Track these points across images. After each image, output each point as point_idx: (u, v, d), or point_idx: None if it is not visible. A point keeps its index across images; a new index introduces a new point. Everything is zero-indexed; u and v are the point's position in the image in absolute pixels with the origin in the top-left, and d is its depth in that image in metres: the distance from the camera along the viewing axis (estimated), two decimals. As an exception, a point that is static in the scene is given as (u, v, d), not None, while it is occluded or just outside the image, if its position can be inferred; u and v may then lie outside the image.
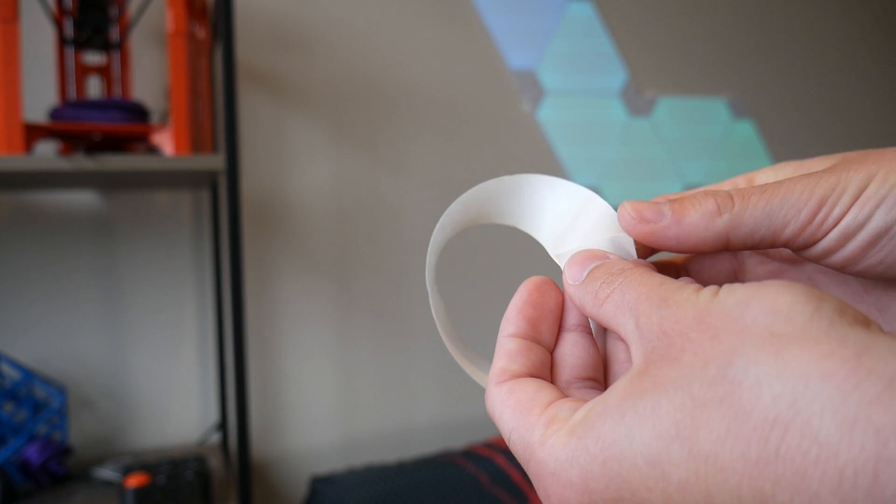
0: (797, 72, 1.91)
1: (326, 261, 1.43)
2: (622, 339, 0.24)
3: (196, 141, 1.08)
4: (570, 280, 0.25)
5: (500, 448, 1.34)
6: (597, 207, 0.28)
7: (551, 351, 0.26)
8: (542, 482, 0.21)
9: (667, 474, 0.18)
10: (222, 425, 1.31)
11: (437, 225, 0.28)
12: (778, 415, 0.16)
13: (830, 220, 0.23)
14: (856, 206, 0.23)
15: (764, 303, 0.18)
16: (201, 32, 1.16)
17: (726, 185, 0.28)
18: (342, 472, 1.27)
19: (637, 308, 0.21)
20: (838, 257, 0.24)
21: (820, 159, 0.26)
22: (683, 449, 0.18)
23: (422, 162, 1.51)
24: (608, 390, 0.21)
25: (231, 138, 1.01)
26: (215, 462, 1.19)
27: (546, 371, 0.25)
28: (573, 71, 1.65)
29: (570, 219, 0.29)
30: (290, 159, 1.41)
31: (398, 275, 1.48)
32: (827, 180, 0.23)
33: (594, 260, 0.25)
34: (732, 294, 0.19)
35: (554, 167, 1.63)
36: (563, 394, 0.23)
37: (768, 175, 0.27)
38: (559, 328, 0.26)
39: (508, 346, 0.25)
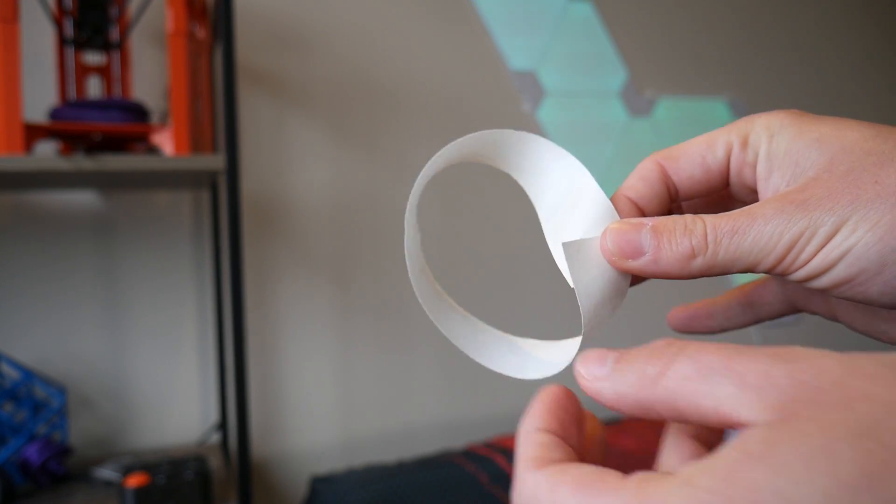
0: (797, 72, 1.91)
1: (326, 261, 1.43)
2: (688, 421, 0.20)
3: (196, 141, 1.08)
4: (590, 376, 0.22)
5: (500, 448, 1.34)
6: (592, 197, 0.28)
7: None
8: None
9: None
10: (222, 425, 1.31)
11: (434, 156, 0.28)
12: None
13: (798, 262, 0.24)
14: (821, 254, 0.23)
15: None
16: (201, 32, 1.16)
17: (719, 147, 0.27)
18: (342, 472, 1.27)
19: (733, 368, 0.18)
20: (812, 286, 0.25)
21: (816, 126, 0.26)
22: (877, 499, 0.15)
23: (422, 162, 1.50)
24: (738, 439, 0.17)
25: (231, 138, 1.01)
26: (215, 462, 1.19)
27: None
28: (573, 71, 1.65)
29: (569, 201, 0.29)
30: (290, 159, 1.41)
31: (398, 275, 1.48)
32: (798, 222, 0.23)
33: (611, 352, 0.22)
34: (875, 355, 0.18)
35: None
36: None
37: (762, 138, 0.26)
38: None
39: (541, 438, 0.22)
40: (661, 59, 1.74)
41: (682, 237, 0.25)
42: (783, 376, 0.18)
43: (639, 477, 0.18)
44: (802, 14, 1.92)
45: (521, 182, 0.30)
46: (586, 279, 0.26)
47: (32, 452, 1.06)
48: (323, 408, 1.44)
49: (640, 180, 0.28)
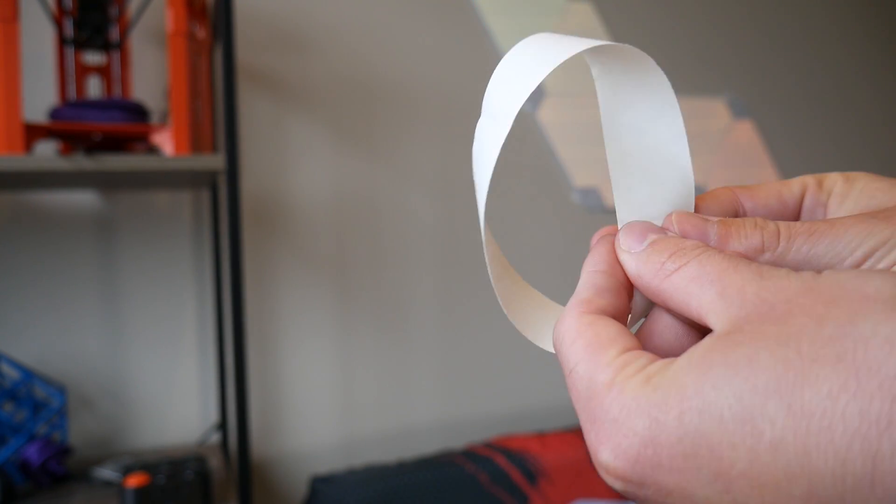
0: (797, 71, 1.91)
1: (326, 260, 1.43)
2: (682, 316, 0.23)
3: (196, 141, 1.08)
4: (626, 247, 0.24)
5: (499, 448, 1.34)
6: (681, 174, 0.28)
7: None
8: (598, 427, 0.20)
9: (758, 431, 0.17)
10: (222, 425, 1.31)
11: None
12: None
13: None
14: None
15: (887, 277, 0.18)
16: (201, 32, 1.16)
17: (795, 185, 0.28)
18: (342, 472, 1.27)
19: (722, 280, 0.20)
20: None
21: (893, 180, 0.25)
22: (782, 405, 0.17)
23: (421, 162, 1.51)
24: (692, 348, 0.19)
25: (231, 138, 1.01)
26: (215, 462, 1.19)
27: (626, 321, 0.24)
28: (573, 71, 1.65)
29: (650, 158, 0.28)
30: (290, 159, 1.41)
31: (398, 275, 1.48)
32: (882, 231, 0.22)
33: (654, 232, 0.24)
34: (845, 272, 0.19)
35: (553, 167, 1.63)
36: (642, 346, 0.22)
37: (838, 181, 0.26)
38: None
39: (598, 281, 0.24)
40: (661, 58, 1.72)
41: (752, 231, 0.24)
42: (753, 292, 0.19)
43: (623, 361, 0.20)
44: (802, 13, 1.92)
45: (603, 97, 0.29)
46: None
47: (32, 452, 1.06)
48: (323, 408, 1.44)
49: (711, 198, 0.28)
